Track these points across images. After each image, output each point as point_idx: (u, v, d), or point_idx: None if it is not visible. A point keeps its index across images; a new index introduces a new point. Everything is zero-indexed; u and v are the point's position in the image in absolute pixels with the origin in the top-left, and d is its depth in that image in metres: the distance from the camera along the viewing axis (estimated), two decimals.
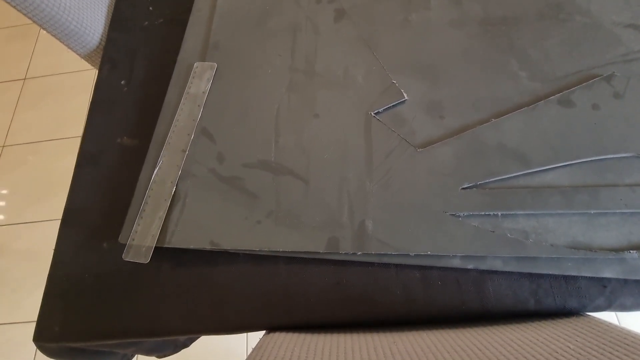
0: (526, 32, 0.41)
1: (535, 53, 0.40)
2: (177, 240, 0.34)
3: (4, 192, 1.19)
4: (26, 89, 1.37)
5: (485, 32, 0.42)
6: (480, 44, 0.41)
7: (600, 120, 0.35)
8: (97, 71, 0.48)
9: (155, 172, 0.38)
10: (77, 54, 0.52)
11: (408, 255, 0.32)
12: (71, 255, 0.37)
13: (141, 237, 0.35)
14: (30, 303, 1.02)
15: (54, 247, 0.38)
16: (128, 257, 0.34)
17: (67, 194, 0.40)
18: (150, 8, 0.51)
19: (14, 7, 0.44)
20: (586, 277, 0.30)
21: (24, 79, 1.39)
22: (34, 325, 0.34)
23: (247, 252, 0.34)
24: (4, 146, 1.27)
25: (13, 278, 1.07)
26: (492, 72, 0.40)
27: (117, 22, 0.51)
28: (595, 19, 0.41)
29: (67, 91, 1.32)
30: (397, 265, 0.33)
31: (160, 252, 0.35)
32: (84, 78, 1.33)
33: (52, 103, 1.31)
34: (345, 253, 0.33)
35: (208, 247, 0.34)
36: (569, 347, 0.25)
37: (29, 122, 1.29)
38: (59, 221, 0.39)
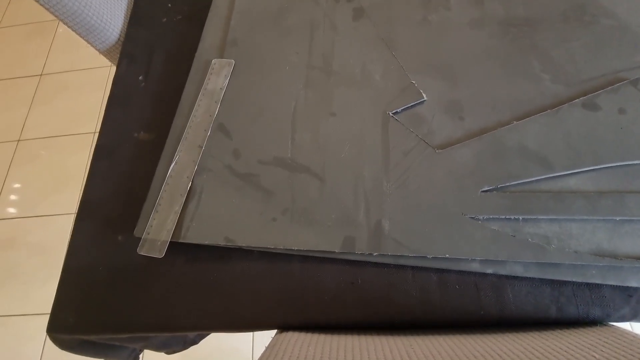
0: (549, 33, 0.40)
1: (558, 55, 0.39)
2: (192, 235, 0.34)
3: (18, 185, 1.21)
4: (42, 85, 1.39)
5: (507, 32, 0.41)
6: (501, 44, 0.41)
7: (627, 124, 0.34)
8: (112, 68, 0.49)
9: (171, 166, 0.38)
10: (97, 49, 0.53)
11: (425, 257, 0.32)
12: (86, 247, 0.37)
13: (156, 231, 0.35)
14: (40, 296, 1.03)
15: (65, 240, 0.38)
16: (143, 251, 0.34)
17: (79, 189, 0.40)
18: (169, 5, 0.52)
19: (38, 1, 0.44)
20: (611, 285, 0.29)
21: (40, 75, 1.42)
22: (43, 317, 0.34)
23: (262, 250, 0.34)
24: (19, 140, 1.29)
25: (24, 271, 1.08)
26: (514, 74, 0.39)
27: (136, 18, 0.52)
28: (621, 22, 0.40)
29: (82, 88, 1.34)
30: (413, 267, 0.32)
31: (175, 246, 0.35)
32: (99, 75, 1.35)
33: (66, 99, 1.33)
34: (361, 253, 0.32)
35: (222, 243, 0.34)
36: (594, 357, 0.24)
37: (43, 117, 1.32)
38: (71, 215, 0.39)
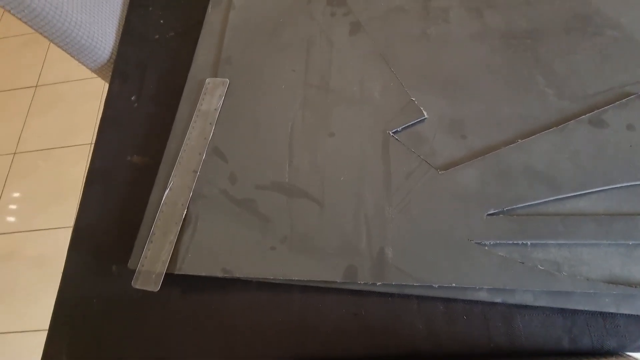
0: (552, 46, 0.39)
1: (562, 69, 0.38)
2: (188, 267, 0.33)
3: (15, 198, 1.20)
4: (37, 96, 1.38)
5: (509, 46, 0.40)
6: (504, 58, 0.40)
7: (636, 142, 0.33)
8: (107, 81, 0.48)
9: (165, 193, 0.37)
10: (88, 68, 0.52)
11: (431, 286, 0.30)
12: (80, 279, 0.36)
13: (151, 263, 0.33)
14: (38, 311, 1.02)
15: (64, 253, 0.37)
16: (137, 284, 0.33)
17: (77, 201, 0.39)
18: (162, 21, 0.50)
19: (26, 22, 0.43)
20: (626, 314, 0.28)
21: (36, 86, 1.40)
22: (40, 334, 0.33)
23: (261, 280, 0.33)
24: (15, 153, 1.28)
25: (22, 286, 1.07)
26: (517, 89, 0.38)
27: (128, 35, 0.50)
28: (626, 33, 0.39)
29: (78, 98, 1.33)
30: (418, 297, 0.31)
31: (171, 277, 0.34)
32: (94, 86, 1.34)
33: (62, 110, 1.32)
34: (364, 283, 0.31)
35: (220, 274, 0.33)
36: None
37: (40, 129, 1.31)
38: (69, 229, 0.38)
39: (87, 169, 0.41)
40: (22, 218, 1.16)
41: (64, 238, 1.08)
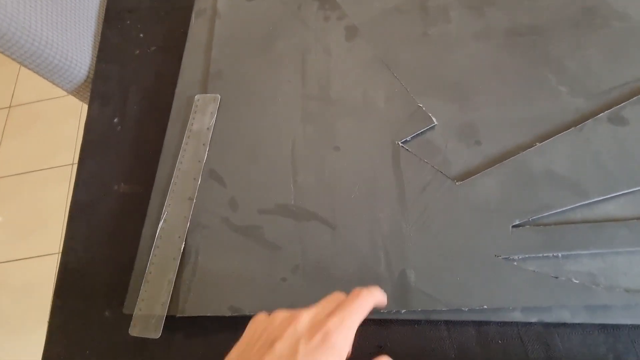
0: (560, 41, 0.38)
1: (573, 65, 0.36)
2: (191, 307, 0.30)
3: None
4: (12, 117, 1.31)
5: (515, 43, 0.38)
6: (511, 57, 0.38)
7: None
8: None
9: (160, 225, 0.33)
10: (64, 90, 0.48)
11: (460, 309, 0.28)
12: (69, 329, 0.32)
13: (149, 306, 0.30)
14: (28, 345, 0.96)
15: (51, 281, 0.33)
16: (135, 331, 0.30)
17: (61, 226, 0.35)
18: (141, 35, 0.47)
19: None
20: None
21: (9, 106, 1.33)
22: None
23: None
24: None
25: (9, 319, 1.01)
26: (528, 89, 0.36)
27: (106, 52, 0.47)
28: (634, 23, 0.37)
29: (56, 117, 1.27)
30: (447, 322, 0.29)
31: (172, 320, 0.30)
32: (72, 102, 1.28)
33: (40, 130, 1.26)
34: (387, 311, 0.29)
35: (227, 313, 0.30)
36: None
37: (17, 151, 1.24)
38: (54, 255, 0.34)
39: (70, 191, 0.37)
40: (4, 246, 1.09)
41: (50, 265, 1.03)
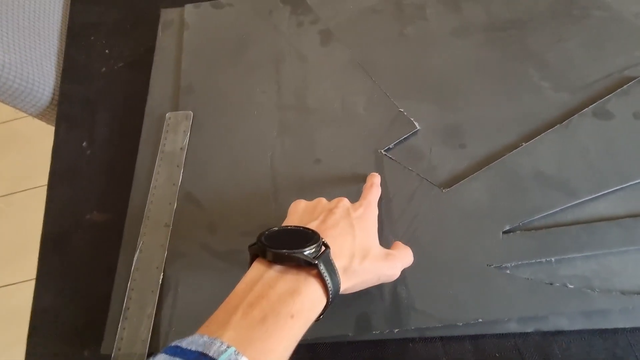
0: (540, 34, 0.36)
1: (554, 58, 0.35)
2: None
3: None
4: None
5: (494, 39, 0.37)
6: (491, 53, 0.36)
7: None
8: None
9: (136, 256, 0.31)
10: (28, 114, 0.45)
11: (455, 324, 0.27)
12: None
13: (129, 345, 0.28)
14: None
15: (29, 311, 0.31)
16: None
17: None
18: (107, 51, 0.44)
19: None
20: None
21: None
22: None
23: None
24: None
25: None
26: (510, 86, 0.35)
27: (70, 71, 0.44)
28: (614, 12, 0.36)
29: (32, 136, 1.22)
30: (442, 338, 0.28)
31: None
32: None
33: (16, 151, 1.21)
34: (379, 332, 0.27)
35: None
36: None
37: None
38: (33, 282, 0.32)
39: None
40: None
41: (31, 292, 0.99)
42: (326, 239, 0.23)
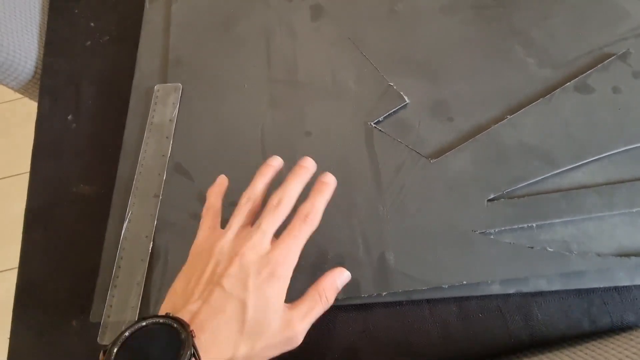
0: (525, 12, 0.37)
1: (539, 35, 0.36)
2: None
3: None
4: None
5: (481, 16, 0.38)
6: (478, 30, 0.37)
7: (624, 104, 0.32)
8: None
9: (124, 226, 0.31)
10: (10, 88, 0.44)
11: (441, 287, 0.28)
12: (32, 343, 0.30)
13: (118, 312, 0.28)
14: None
15: (12, 298, 0.31)
16: (105, 339, 0.28)
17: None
18: (92, 24, 0.43)
19: None
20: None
21: None
22: None
23: None
24: None
25: None
26: (497, 62, 0.36)
27: (53, 44, 0.43)
28: None
29: (9, 123, 1.18)
30: (429, 301, 0.28)
31: None
32: (27, 105, 1.20)
33: (0, 136, 1.17)
34: (368, 296, 0.28)
35: None
36: None
37: None
38: (15, 270, 0.32)
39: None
40: None
41: (12, 282, 0.97)
42: (203, 333, 0.19)
